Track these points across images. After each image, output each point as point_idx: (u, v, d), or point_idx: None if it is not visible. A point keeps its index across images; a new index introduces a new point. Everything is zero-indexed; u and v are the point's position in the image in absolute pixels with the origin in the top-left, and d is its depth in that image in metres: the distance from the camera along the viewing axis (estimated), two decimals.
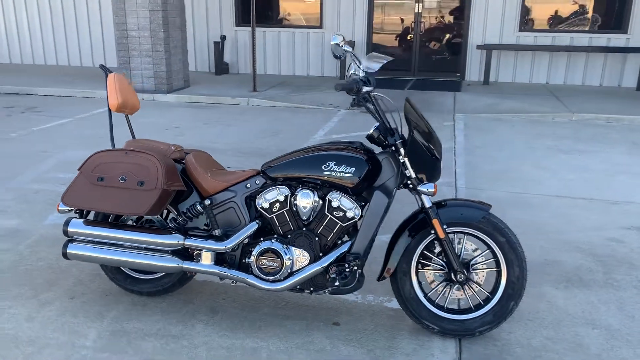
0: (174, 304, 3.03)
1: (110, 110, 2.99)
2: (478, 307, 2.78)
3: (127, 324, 2.81)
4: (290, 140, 6.72)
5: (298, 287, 2.76)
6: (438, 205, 2.76)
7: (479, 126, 7.49)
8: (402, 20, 11.43)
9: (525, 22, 10.76)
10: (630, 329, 2.88)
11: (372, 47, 11.56)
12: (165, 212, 3.02)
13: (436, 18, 11.29)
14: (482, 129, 7.32)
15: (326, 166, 2.68)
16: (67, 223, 2.86)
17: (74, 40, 12.80)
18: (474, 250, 2.79)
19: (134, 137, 3.19)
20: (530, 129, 7.37)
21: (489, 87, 10.40)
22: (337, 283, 2.69)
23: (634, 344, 2.76)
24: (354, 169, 2.65)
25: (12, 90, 9.97)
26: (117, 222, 2.96)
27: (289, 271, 2.74)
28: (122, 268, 3.06)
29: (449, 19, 11.22)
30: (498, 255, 2.72)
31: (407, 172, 2.67)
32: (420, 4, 11.16)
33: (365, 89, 2.63)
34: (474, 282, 2.77)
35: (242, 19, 12.02)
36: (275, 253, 2.72)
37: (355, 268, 2.69)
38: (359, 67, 2.71)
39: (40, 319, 2.84)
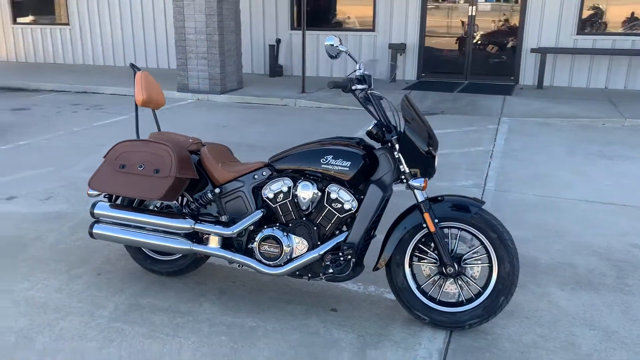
0: (187, 284, 3.28)
1: (136, 105, 3.29)
2: (470, 300, 2.86)
3: (142, 300, 3.09)
4: None
5: (297, 272, 2.94)
6: (434, 200, 2.86)
7: (523, 130, 7.39)
8: (456, 23, 11.37)
9: (584, 25, 10.43)
10: (630, 332, 2.86)
11: (424, 51, 11.57)
12: (182, 199, 3.28)
13: (491, 21, 11.15)
14: (525, 133, 7.22)
15: (324, 160, 2.85)
16: (93, 205, 3.17)
17: (140, 43, 13.58)
18: (471, 246, 2.87)
19: (159, 129, 3.47)
20: (577, 134, 7.19)
21: (543, 91, 10.17)
22: (330, 270, 2.84)
23: (629, 346, 2.74)
24: (350, 163, 2.80)
25: (81, 89, 10.73)
26: (139, 207, 3.25)
27: (288, 257, 2.92)
28: (143, 249, 3.35)
29: (504, 22, 11.05)
30: (489, 251, 2.78)
31: (401, 167, 2.79)
32: (474, 7, 11.06)
33: (358, 87, 2.77)
34: (467, 276, 2.85)
35: (298, 23, 12.33)
36: (276, 240, 2.91)
37: (349, 257, 2.83)
38: (356, 65, 2.86)
39: (68, 290, 3.17)
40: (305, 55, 10.26)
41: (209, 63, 9.67)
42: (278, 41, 12.23)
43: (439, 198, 2.87)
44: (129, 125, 7.65)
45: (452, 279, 2.85)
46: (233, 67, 10.11)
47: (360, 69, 2.82)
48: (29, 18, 14.96)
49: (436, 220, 2.78)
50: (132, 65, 3.42)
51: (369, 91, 2.84)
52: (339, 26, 12.26)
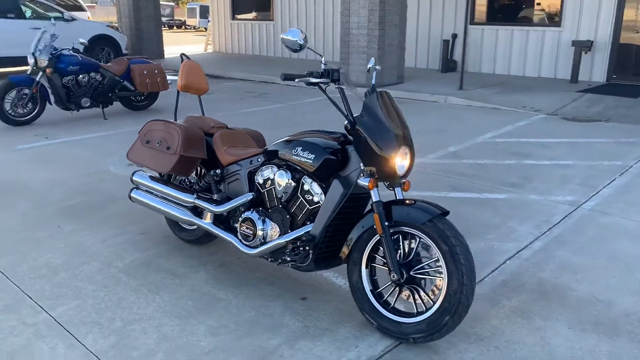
0: (201, 252, 3.63)
1: (178, 90, 3.74)
2: (420, 313, 2.67)
3: (155, 259, 3.54)
4: (450, 138, 6.64)
5: (266, 256, 3.07)
6: (401, 202, 2.72)
7: None
8: None
9: None
10: None
11: (618, 48, 10.12)
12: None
13: None
14: None
15: (295, 150, 2.92)
16: (133, 173, 3.72)
17: (329, 38, 14.43)
18: (430, 256, 2.67)
19: (203, 114, 3.88)
20: None
21: None
22: (287, 258, 2.92)
23: None
24: (314, 156, 2.82)
25: (263, 79, 11.91)
26: (167, 180, 3.69)
27: (261, 240, 3.07)
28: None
29: None
30: (441, 263, 2.57)
31: (360, 164, 2.73)
32: None
33: (313, 80, 2.77)
34: (420, 286, 2.67)
35: (476, 17, 11.81)
36: (252, 223, 3.09)
37: (307, 249, 2.87)
38: (321, 59, 2.85)
39: (109, 242, 3.77)
40: (467, 51, 9.84)
41: (367, 58, 9.91)
42: (454, 36, 11.88)
43: (407, 201, 2.73)
44: (280, 112, 8.34)
45: (407, 288, 2.70)
46: (394, 61, 10.19)
47: (325, 63, 2.82)
48: (246, 15, 16.97)
49: (386, 223, 2.66)
50: (182, 55, 3.87)
51: (336, 86, 2.82)
52: (521, 21, 11.40)
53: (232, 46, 17.30)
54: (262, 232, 3.06)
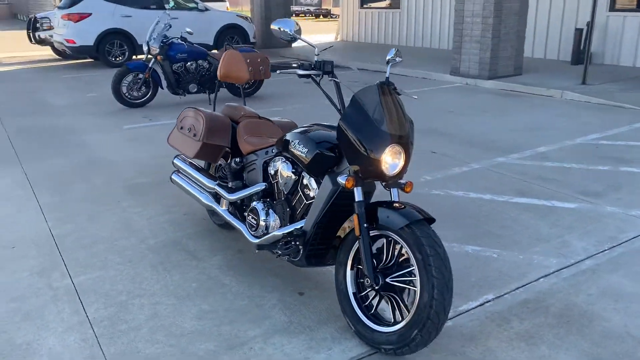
0: (226, 237, 3.74)
1: (217, 78, 3.85)
2: (395, 323, 2.50)
3: (184, 240, 3.71)
4: (546, 138, 6.05)
5: (268, 247, 3.07)
6: (387, 204, 2.56)
7: None
8: None
9: None
10: None
11: None
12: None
13: None
14: None
15: (293, 143, 2.87)
16: (175, 157, 3.92)
17: (427, 25, 13.84)
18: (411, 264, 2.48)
19: (244, 103, 3.97)
20: None
21: None
22: (278, 251, 2.90)
23: None
24: (307, 150, 2.75)
25: (376, 69, 11.79)
26: (203, 167, 3.84)
27: (263, 231, 3.08)
28: None
29: None
30: (416, 273, 2.38)
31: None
32: None
33: (300, 72, 2.67)
34: (397, 294, 2.49)
35: (618, 3, 10.53)
36: (257, 213, 3.11)
37: (298, 244, 2.82)
38: (314, 50, 2.75)
39: (153, 220, 4.03)
40: (605, 41, 8.84)
41: (480, 47, 9.34)
42: (588, 24, 10.71)
43: (396, 204, 2.56)
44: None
45: (386, 295, 2.54)
46: (510, 51, 9.48)
47: (317, 54, 2.71)
48: (375, 3, 16.88)
49: (365, 225, 2.51)
50: (227, 45, 3.98)
51: (330, 79, 2.72)
52: None
53: (360, 35, 17.33)
54: (264, 223, 3.06)
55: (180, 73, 7.97)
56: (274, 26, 2.72)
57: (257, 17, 16.01)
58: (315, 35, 21.61)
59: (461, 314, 2.85)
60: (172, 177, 3.90)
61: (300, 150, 2.79)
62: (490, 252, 3.50)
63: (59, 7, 12.87)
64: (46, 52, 15.73)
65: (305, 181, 2.87)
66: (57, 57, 14.54)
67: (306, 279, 3.20)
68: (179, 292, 3.09)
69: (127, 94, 7.87)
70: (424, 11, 14.75)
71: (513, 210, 4.12)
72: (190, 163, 3.80)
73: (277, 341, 2.65)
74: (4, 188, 4.76)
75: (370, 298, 2.64)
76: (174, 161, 3.90)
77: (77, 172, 5.15)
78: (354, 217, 2.54)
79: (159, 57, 7.72)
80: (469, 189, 4.56)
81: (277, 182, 3.10)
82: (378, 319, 2.60)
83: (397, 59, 3.05)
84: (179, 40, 7.89)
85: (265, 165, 3.25)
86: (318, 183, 2.80)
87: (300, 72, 2.71)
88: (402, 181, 2.69)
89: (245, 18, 14.40)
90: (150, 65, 7.77)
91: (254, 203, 3.15)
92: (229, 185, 3.39)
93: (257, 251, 3.25)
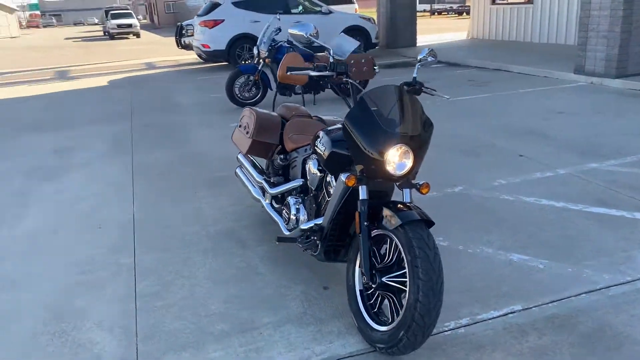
0: (276, 230, 3.93)
1: (277, 79, 4.06)
2: (391, 323, 2.50)
3: (240, 230, 3.97)
4: None
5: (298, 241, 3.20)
6: (392, 204, 2.57)
7: None
8: None
9: None
10: None
11: None
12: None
13: None
14: None
15: (317, 141, 2.97)
16: (238, 153, 4.21)
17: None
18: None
19: (303, 103, 4.14)
20: None
21: None
22: (299, 245, 3.03)
23: None
24: (325, 148, 2.84)
25: (496, 67, 11.28)
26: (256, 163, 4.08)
27: (294, 225, 3.23)
28: None
29: None
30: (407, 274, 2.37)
31: None
32: None
33: (312, 73, 2.75)
34: (394, 294, 2.50)
35: None
36: (289, 208, 3.27)
37: (316, 239, 2.93)
38: (329, 52, 2.81)
39: (222, 210, 4.35)
40: None
41: (608, 43, 8.53)
42: None
43: (400, 205, 2.56)
44: (461, 106, 7.95)
45: (384, 294, 2.56)
46: None
47: (332, 56, 2.77)
48: None
49: (365, 223, 2.55)
50: (289, 42, 4.16)
51: (345, 79, 2.77)
52: None
53: (490, 32, 16.61)
54: (294, 217, 3.22)
55: None
56: (291, 30, 2.85)
57: (383, 18, 16.09)
58: (447, 33, 21.13)
59: (478, 322, 2.75)
60: (236, 171, 4.19)
61: (320, 148, 2.89)
62: (538, 262, 3.29)
63: (198, 15, 14.11)
64: (191, 56, 17.29)
65: (328, 178, 2.97)
66: (199, 60, 15.92)
67: (335, 274, 3.29)
68: (217, 276, 3.35)
69: (239, 95, 8.45)
70: (558, 5, 13.74)
71: (583, 220, 3.80)
72: (250, 159, 4.06)
73: (286, 329, 2.79)
74: (110, 175, 5.44)
75: (375, 296, 2.67)
76: (238, 156, 4.19)
77: (175, 163, 5.70)
78: (356, 214, 2.59)
79: (267, 60, 8.18)
80: (543, 196, 4.28)
81: (310, 179, 3.23)
82: (379, 317, 2.62)
83: (430, 59, 3.02)
84: (286, 44, 8.29)
85: (304, 162, 3.40)
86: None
87: (313, 73, 2.80)
88: (417, 182, 2.68)
89: (369, 19, 14.56)
90: (259, 68, 8.26)
91: (289, 198, 3.31)
92: (272, 180, 3.58)
93: (277, 243, 3.40)
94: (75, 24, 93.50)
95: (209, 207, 4.45)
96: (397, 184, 2.66)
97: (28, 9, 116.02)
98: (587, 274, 3.12)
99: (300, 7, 14.20)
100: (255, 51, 8.35)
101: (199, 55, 14.25)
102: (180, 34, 16.76)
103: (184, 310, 3.01)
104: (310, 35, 2.87)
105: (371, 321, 2.60)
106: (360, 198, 2.60)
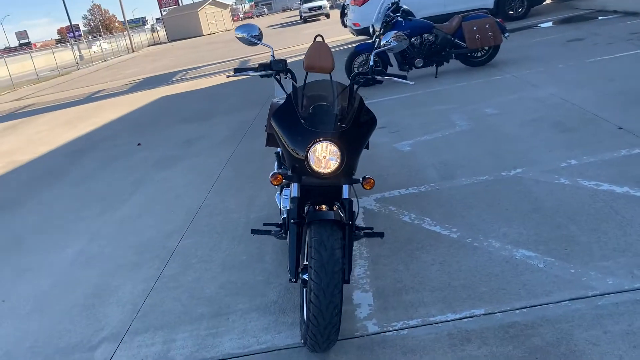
0: None
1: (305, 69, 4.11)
2: None
3: (273, 217, 4.18)
4: None
5: None
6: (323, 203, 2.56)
7: None
8: None
9: None
10: None
11: None
12: None
13: None
14: None
15: None
16: None
17: None
18: None
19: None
20: None
21: None
22: (274, 237, 3.14)
23: None
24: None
25: None
26: None
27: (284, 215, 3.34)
28: None
29: None
30: None
31: None
32: None
33: (251, 73, 2.78)
34: None
35: None
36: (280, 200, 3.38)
37: (281, 231, 3.02)
38: (270, 51, 2.79)
39: (266, 199, 4.61)
40: None
41: None
42: None
43: (324, 204, 2.55)
44: (611, 67, 6.84)
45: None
46: None
47: (273, 56, 2.77)
48: None
49: (292, 221, 2.59)
50: (316, 36, 4.15)
51: (285, 77, 2.78)
52: None
53: None
54: (283, 209, 3.32)
55: (406, 49, 8.15)
56: (235, 33, 2.94)
57: None
58: None
59: (427, 324, 2.60)
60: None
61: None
62: (541, 260, 2.91)
63: None
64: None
65: None
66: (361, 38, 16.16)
67: None
68: (228, 262, 3.64)
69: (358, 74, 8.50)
70: None
71: (637, 210, 3.19)
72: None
73: (250, 317, 2.97)
74: (206, 165, 6.04)
75: None
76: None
77: (260, 152, 6.04)
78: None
79: (381, 37, 8.07)
80: (609, 179, 3.66)
81: None
82: None
83: (393, 43, 2.87)
84: (400, 19, 8.07)
85: None
86: None
87: (252, 73, 2.86)
88: (359, 177, 2.62)
89: None
90: (375, 45, 8.19)
91: (284, 189, 3.42)
92: (279, 172, 3.71)
93: (252, 235, 3.32)
94: (283, 10, 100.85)
95: (264, 195, 4.71)
96: (341, 180, 2.61)
97: (247, 1, 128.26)
98: (589, 278, 2.67)
99: None
100: (370, 29, 8.32)
101: (353, 34, 14.49)
102: (343, 14, 17.18)
103: (185, 292, 3.37)
104: (252, 36, 2.93)
105: (305, 316, 2.64)
106: (291, 196, 2.63)
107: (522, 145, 4.61)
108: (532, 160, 4.24)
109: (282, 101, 3.85)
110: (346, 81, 2.79)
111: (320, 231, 2.33)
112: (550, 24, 11.92)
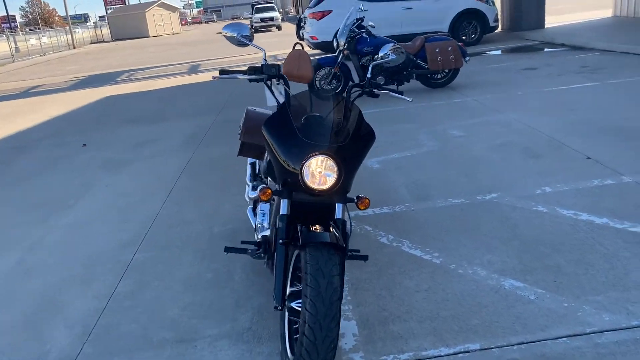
0: None
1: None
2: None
3: (242, 232, 3.92)
4: None
5: None
6: (317, 221, 2.34)
7: None
8: None
9: None
10: None
11: None
12: None
13: None
14: None
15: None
16: None
17: None
18: None
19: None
20: None
21: None
22: (250, 256, 2.89)
23: None
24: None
25: (624, 50, 9.86)
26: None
27: (259, 232, 3.09)
28: None
29: None
30: None
31: None
32: None
33: (240, 76, 2.56)
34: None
35: None
36: (256, 214, 3.13)
37: (260, 251, 2.77)
38: (262, 54, 2.58)
39: (238, 209, 4.33)
40: None
41: None
42: None
43: (318, 224, 2.33)
44: (549, 97, 7.01)
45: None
46: None
47: (265, 59, 2.55)
48: None
49: (280, 241, 2.35)
50: (296, 44, 3.96)
51: (277, 83, 2.56)
52: None
53: (636, 9, 14.56)
54: (259, 225, 3.07)
55: (368, 66, 8.07)
56: (222, 31, 2.70)
57: None
58: (588, 11, 18.94)
59: (419, 359, 2.41)
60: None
61: None
62: (532, 291, 2.79)
63: (308, 7, 14.22)
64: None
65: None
66: (318, 51, 16.08)
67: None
68: (192, 280, 3.33)
69: (319, 88, 8.36)
70: None
71: (618, 243, 3.15)
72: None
73: (220, 345, 2.69)
74: (161, 170, 5.68)
75: None
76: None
77: (222, 160, 5.78)
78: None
79: (344, 52, 7.97)
80: (587, 208, 3.63)
81: None
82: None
83: (391, 56, 2.70)
84: (364, 35, 8.00)
85: None
86: None
87: (240, 76, 2.63)
88: (353, 196, 2.42)
89: (487, 1, 13.54)
90: (338, 60, 8.08)
91: (260, 204, 3.17)
92: (252, 184, 3.47)
93: (226, 253, 3.11)
94: (232, 19, 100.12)
95: (230, 206, 4.43)
96: (334, 198, 2.40)
97: (195, 7, 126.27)
98: (584, 312, 2.58)
99: None
100: (334, 43, 8.20)
101: (309, 47, 14.38)
102: (299, 26, 17.07)
103: (143, 313, 3.04)
104: (242, 36, 2.70)
105: (288, 347, 2.40)
106: (280, 213, 2.39)
107: (493, 170, 4.56)
108: (507, 185, 4.19)
109: (258, 109, 3.64)
110: None
111: (317, 255, 2.11)
112: (499, 52, 12.24)
